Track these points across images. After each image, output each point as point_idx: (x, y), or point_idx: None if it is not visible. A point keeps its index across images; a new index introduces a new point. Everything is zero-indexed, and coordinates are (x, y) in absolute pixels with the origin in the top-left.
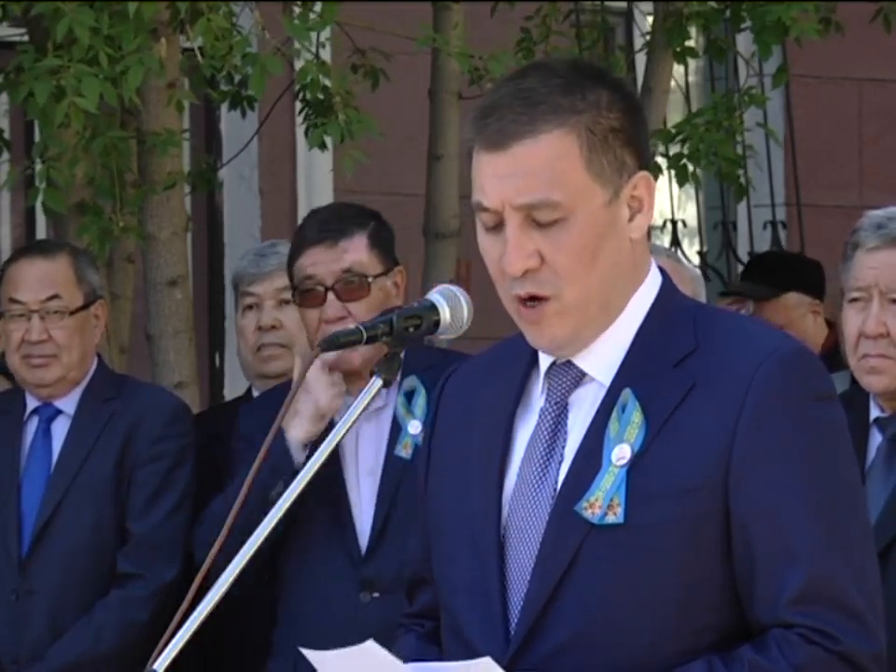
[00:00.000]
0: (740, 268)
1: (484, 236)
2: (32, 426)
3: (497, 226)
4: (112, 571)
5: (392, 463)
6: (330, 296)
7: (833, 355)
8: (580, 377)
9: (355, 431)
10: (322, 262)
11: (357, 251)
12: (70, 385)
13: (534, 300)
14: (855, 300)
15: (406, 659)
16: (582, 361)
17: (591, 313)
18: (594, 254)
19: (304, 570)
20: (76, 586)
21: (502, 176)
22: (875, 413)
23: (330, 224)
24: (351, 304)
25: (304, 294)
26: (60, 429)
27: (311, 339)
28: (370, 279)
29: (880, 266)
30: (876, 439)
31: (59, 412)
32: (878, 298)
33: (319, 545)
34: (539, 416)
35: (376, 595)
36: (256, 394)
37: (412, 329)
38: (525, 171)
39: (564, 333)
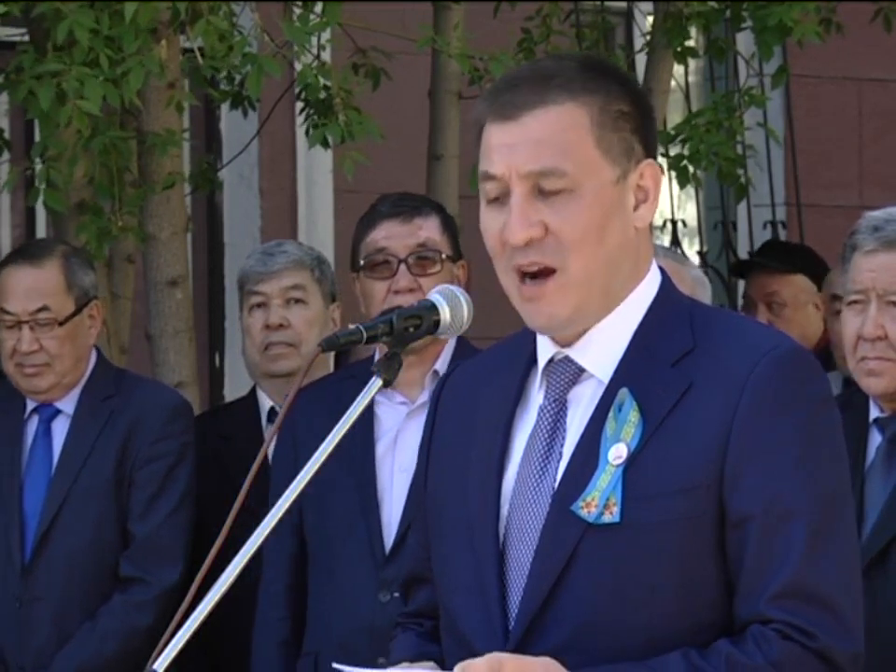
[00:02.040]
0: None
1: (486, 210)
2: (32, 425)
3: (502, 197)
4: (115, 573)
5: None
6: (402, 268)
7: (826, 354)
8: (578, 373)
9: (395, 429)
10: (396, 236)
11: (430, 229)
12: (66, 388)
13: (535, 276)
14: (853, 302)
15: (408, 655)
16: (581, 356)
17: (593, 292)
18: (600, 229)
19: (331, 567)
20: (79, 590)
21: (511, 145)
22: (874, 413)
23: (405, 201)
24: (422, 279)
25: (375, 267)
26: (60, 429)
27: (375, 312)
28: (443, 255)
29: (877, 269)
30: (876, 439)
31: (58, 411)
32: (876, 301)
33: (346, 542)
34: (539, 414)
35: (396, 594)
36: (261, 394)
37: (412, 329)
38: (535, 139)
39: (563, 311)
